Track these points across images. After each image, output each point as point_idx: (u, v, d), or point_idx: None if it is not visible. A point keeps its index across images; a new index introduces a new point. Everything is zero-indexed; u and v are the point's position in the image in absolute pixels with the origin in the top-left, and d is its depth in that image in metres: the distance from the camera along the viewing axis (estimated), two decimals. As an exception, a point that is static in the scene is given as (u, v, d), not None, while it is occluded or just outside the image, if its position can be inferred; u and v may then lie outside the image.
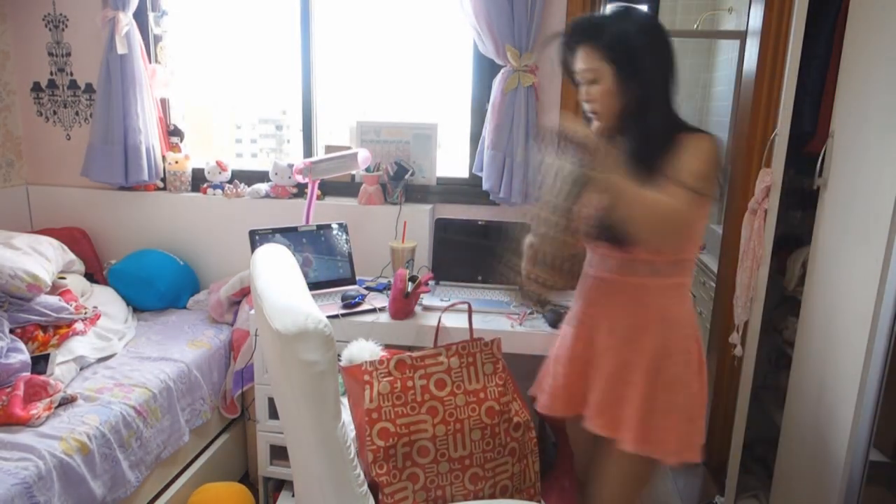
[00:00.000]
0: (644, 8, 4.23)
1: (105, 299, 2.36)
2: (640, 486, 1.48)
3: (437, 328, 1.54)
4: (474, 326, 1.90)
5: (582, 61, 1.39)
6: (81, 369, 1.98)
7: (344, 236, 2.27)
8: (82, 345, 2.02)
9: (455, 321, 1.91)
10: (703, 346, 1.45)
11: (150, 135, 2.58)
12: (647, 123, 1.36)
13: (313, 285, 2.14)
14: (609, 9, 1.44)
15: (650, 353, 1.37)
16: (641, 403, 1.36)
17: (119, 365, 2.03)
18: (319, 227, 2.24)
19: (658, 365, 1.37)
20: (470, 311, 1.66)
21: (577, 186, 1.24)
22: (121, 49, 2.44)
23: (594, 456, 1.51)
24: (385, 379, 1.40)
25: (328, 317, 1.38)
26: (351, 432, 1.40)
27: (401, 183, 2.48)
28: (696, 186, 1.28)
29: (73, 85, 2.71)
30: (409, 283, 1.92)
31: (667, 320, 1.39)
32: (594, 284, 1.46)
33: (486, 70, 2.43)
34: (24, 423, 1.63)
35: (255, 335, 2.10)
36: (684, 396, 1.37)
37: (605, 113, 1.41)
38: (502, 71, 2.30)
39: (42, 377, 1.77)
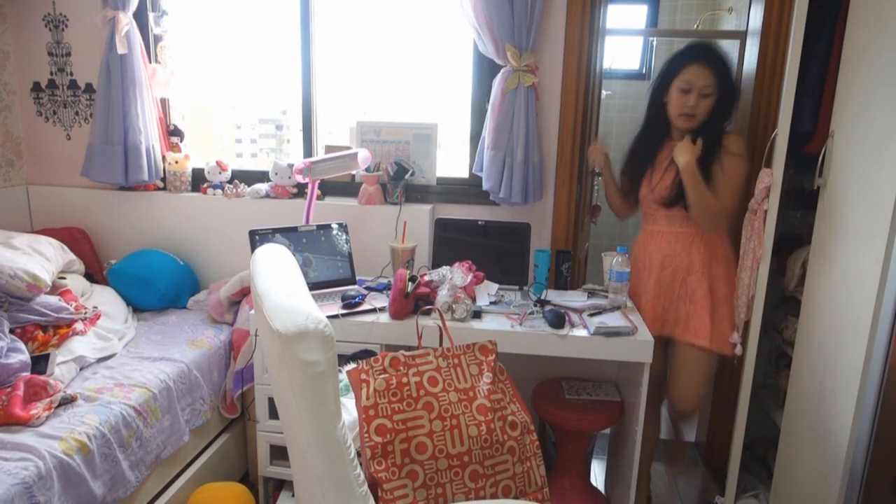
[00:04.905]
0: (644, 7, 4.24)
1: (105, 299, 2.36)
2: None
3: (418, 330, 1.56)
4: (476, 327, 1.91)
5: (705, 78, 1.96)
6: (81, 369, 1.98)
7: (344, 236, 2.27)
8: (82, 345, 2.02)
9: (454, 321, 1.92)
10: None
11: (150, 135, 2.58)
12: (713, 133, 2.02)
13: (313, 285, 2.15)
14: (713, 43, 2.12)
15: None
16: None
17: (119, 365, 2.03)
18: (319, 227, 2.24)
19: None
20: (442, 318, 1.68)
21: None
22: (121, 49, 2.44)
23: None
24: (381, 376, 1.41)
25: (328, 317, 1.39)
26: (353, 431, 1.40)
27: (401, 183, 2.48)
28: None
29: (73, 85, 2.71)
30: (409, 283, 1.93)
31: None
32: None
33: (486, 70, 2.43)
34: (24, 423, 1.63)
35: (255, 335, 2.10)
36: None
37: (699, 120, 2.00)
38: (502, 71, 2.30)
39: (42, 377, 1.77)
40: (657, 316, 2.12)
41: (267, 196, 2.61)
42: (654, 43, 4.40)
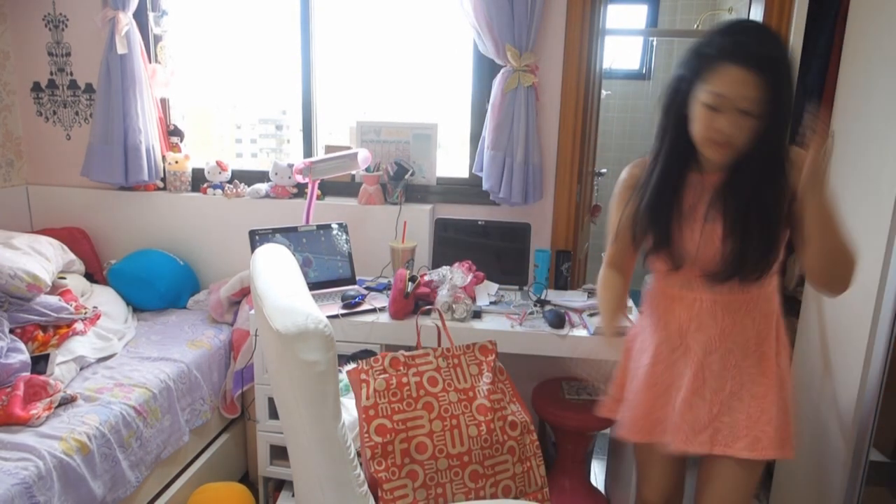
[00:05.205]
0: (644, 7, 4.24)
1: (105, 299, 2.36)
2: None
3: (417, 330, 1.56)
4: (476, 327, 1.91)
5: (749, 87, 1.20)
6: (81, 369, 1.98)
7: (344, 236, 2.27)
8: (82, 345, 2.02)
9: (454, 321, 1.92)
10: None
11: (149, 135, 2.58)
12: (770, 156, 1.31)
13: (313, 285, 2.15)
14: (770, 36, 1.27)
15: None
16: None
17: (119, 365, 2.03)
18: (319, 227, 2.24)
19: None
20: (442, 318, 1.68)
21: None
22: (121, 49, 2.44)
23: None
24: (381, 376, 1.41)
25: (328, 317, 1.39)
26: (353, 431, 1.40)
27: (401, 183, 2.48)
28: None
29: (73, 85, 2.71)
30: (409, 283, 1.93)
31: None
32: None
33: (486, 70, 2.43)
34: (24, 423, 1.63)
35: (255, 335, 2.10)
36: None
37: (737, 146, 1.28)
38: (502, 71, 2.30)
39: (42, 377, 1.77)
40: (692, 426, 1.44)
41: (267, 196, 2.61)
42: (654, 43, 4.40)
